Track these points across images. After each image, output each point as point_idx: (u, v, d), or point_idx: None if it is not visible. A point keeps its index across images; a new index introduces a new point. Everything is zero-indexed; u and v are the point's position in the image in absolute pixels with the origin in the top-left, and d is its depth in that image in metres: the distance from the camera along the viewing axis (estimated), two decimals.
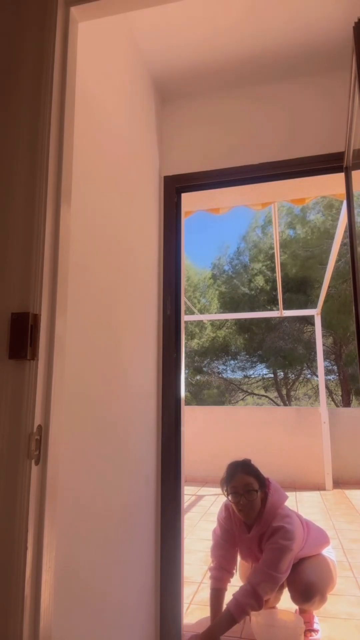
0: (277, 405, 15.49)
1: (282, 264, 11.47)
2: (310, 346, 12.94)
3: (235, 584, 2.38)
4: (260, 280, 13.64)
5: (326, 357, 13.21)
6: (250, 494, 2.06)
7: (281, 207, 12.32)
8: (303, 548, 2.13)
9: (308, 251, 11.95)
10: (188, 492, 5.45)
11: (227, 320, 14.60)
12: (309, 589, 2.04)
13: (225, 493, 2.15)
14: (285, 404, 15.22)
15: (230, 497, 2.12)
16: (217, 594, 2.12)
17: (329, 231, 11.46)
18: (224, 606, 2.08)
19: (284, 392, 15.77)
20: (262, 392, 16.36)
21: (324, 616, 2.34)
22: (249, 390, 16.30)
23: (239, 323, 14.51)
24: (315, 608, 2.14)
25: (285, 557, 1.97)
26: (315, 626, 2.19)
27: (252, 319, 13.77)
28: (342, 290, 11.20)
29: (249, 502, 2.05)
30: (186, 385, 7.80)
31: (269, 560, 1.97)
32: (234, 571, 2.20)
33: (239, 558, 2.26)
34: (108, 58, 1.71)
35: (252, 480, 2.09)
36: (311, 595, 2.04)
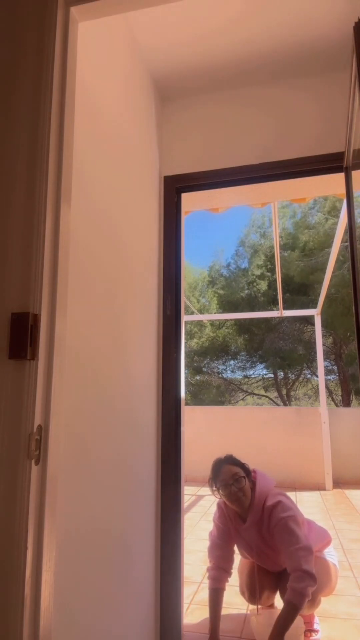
0: (277, 405, 15.49)
1: (281, 266, 11.48)
2: (310, 346, 12.95)
3: (234, 584, 2.38)
4: (259, 282, 13.64)
5: (326, 357, 13.22)
6: (239, 481, 2.09)
7: (282, 209, 12.34)
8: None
9: (309, 257, 11.98)
10: (188, 492, 5.45)
11: (226, 320, 14.61)
12: None
13: (215, 489, 2.15)
14: (285, 404, 15.22)
15: (220, 492, 2.12)
16: (216, 593, 2.12)
17: (329, 234, 11.49)
18: (223, 607, 2.08)
19: (284, 392, 15.78)
20: (262, 392, 16.36)
21: (324, 616, 2.34)
22: (249, 390, 16.30)
23: (239, 323, 14.51)
24: (305, 612, 2.12)
25: (296, 527, 1.99)
26: (315, 626, 2.19)
27: (252, 319, 13.78)
28: (345, 294, 11.25)
29: (239, 489, 2.08)
30: (186, 385, 7.79)
31: (285, 540, 1.97)
32: (232, 570, 2.20)
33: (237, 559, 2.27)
34: (108, 58, 1.71)
35: (238, 470, 2.13)
36: None
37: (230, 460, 2.18)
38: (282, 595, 2.11)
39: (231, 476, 2.09)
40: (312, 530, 2.23)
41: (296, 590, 1.86)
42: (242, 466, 2.18)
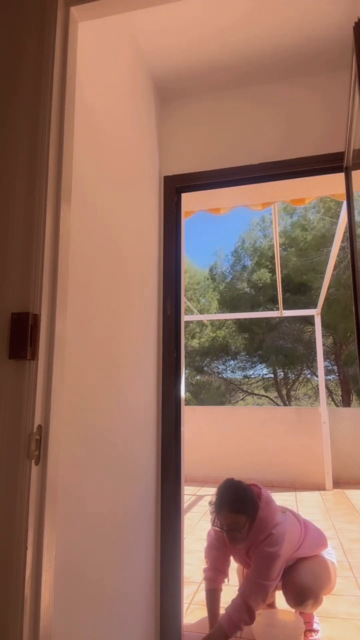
0: (277, 405, 15.50)
1: (280, 267, 11.50)
2: (310, 346, 12.96)
3: (234, 584, 2.38)
4: (259, 281, 13.66)
5: (326, 357, 13.23)
6: (233, 533, 1.98)
7: (280, 212, 12.37)
8: (300, 547, 2.13)
9: (307, 258, 12.01)
10: (188, 492, 5.45)
11: (227, 320, 14.61)
12: (302, 592, 2.02)
13: (212, 517, 2.08)
14: (285, 404, 15.23)
15: (216, 524, 2.06)
16: (212, 594, 2.12)
17: (326, 236, 11.53)
18: (220, 607, 2.07)
19: (284, 392, 15.78)
20: (262, 392, 16.37)
21: (324, 616, 2.34)
22: (249, 390, 16.30)
23: (239, 323, 14.52)
24: (308, 611, 2.12)
25: (274, 564, 1.93)
26: (315, 626, 2.19)
27: (252, 319, 13.78)
28: (341, 294, 11.26)
29: (231, 537, 2.00)
30: (186, 385, 7.77)
31: (257, 569, 1.95)
32: (228, 571, 2.19)
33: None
34: (108, 58, 1.71)
35: (239, 519, 1.97)
36: (304, 598, 2.02)
37: (233, 506, 1.99)
38: (283, 592, 2.11)
39: (227, 525, 2.00)
40: (309, 533, 2.21)
41: (232, 619, 1.85)
42: (245, 510, 1.99)
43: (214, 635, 1.88)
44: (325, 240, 11.54)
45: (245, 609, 1.86)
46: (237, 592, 1.94)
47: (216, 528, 2.07)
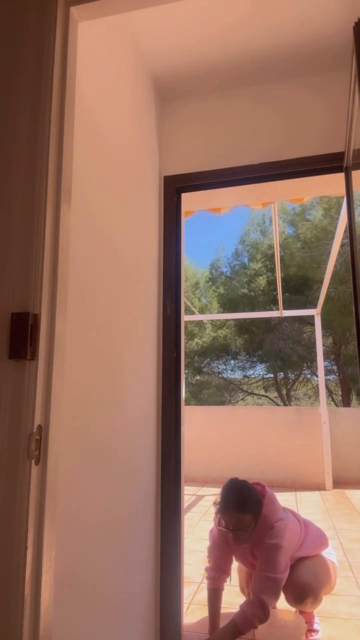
0: (277, 405, 15.49)
1: (280, 264, 11.49)
2: (310, 346, 12.96)
3: (234, 584, 2.38)
4: (258, 281, 13.65)
5: (326, 357, 13.22)
6: (239, 532, 1.97)
7: (280, 207, 12.38)
8: (301, 547, 2.13)
9: (307, 251, 11.99)
10: (188, 492, 5.45)
11: (227, 320, 14.61)
12: (301, 590, 2.02)
13: (217, 517, 2.07)
14: (285, 404, 15.23)
15: (222, 525, 2.05)
16: (214, 593, 2.12)
17: (327, 229, 11.51)
18: (221, 607, 2.07)
19: (284, 392, 15.78)
20: (262, 392, 16.36)
21: (324, 616, 2.34)
22: (249, 390, 16.30)
23: (239, 323, 14.52)
24: (308, 610, 2.12)
25: (279, 556, 1.93)
26: (316, 626, 2.19)
27: (251, 319, 13.78)
28: (341, 292, 11.23)
29: (237, 536, 1.99)
30: (186, 385, 7.78)
31: (264, 563, 1.94)
32: (231, 571, 2.19)
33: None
34: (108, 58, 1.71)
35: (244, 518, 1.97)
36: (304, 596, 2.02)
37: (238, 505, 1.99)
38: (283, 591, 2.11)
39: (233, 524, 1.98)
40: (309, 533, 2.21)
41: (246, 615, 1.83)
42: (252, 510, 1.99)
43: (226, 630, 1.85)
44: (325, 234, 11.51)
45: (258, 604, 1.84)
46: (237, 592, 1.94)
47: (222, 528, 2.07)
